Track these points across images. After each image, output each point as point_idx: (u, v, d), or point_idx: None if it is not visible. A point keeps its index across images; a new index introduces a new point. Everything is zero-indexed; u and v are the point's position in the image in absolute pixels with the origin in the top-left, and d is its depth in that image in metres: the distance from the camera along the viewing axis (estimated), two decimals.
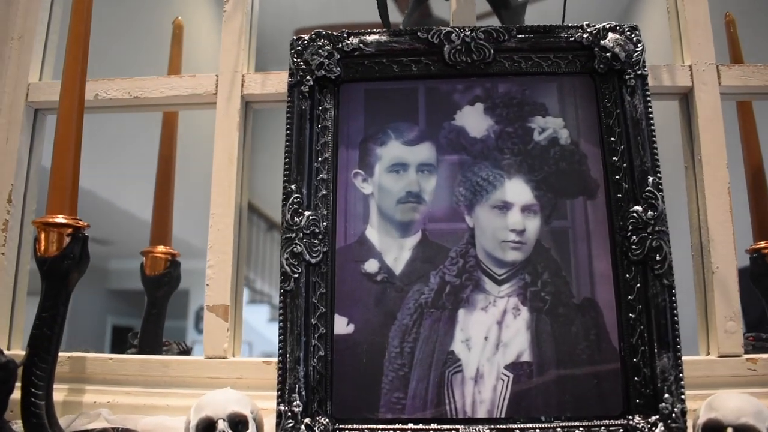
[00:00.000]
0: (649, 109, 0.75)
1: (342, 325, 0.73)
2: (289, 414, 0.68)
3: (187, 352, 1.06)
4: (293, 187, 0.74)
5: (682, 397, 0.66)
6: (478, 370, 0.71)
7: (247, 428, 0.68)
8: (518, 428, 0.68)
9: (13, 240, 0.91)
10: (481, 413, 0.69)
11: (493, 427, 0.68)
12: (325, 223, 0.74)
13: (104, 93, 0.92)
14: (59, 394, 0.83)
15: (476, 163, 0.76)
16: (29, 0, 0.96)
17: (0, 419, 0.72)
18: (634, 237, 0.71)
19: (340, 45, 0.79)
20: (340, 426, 0.69)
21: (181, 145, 0.96)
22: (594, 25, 0.77)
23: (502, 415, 0.69)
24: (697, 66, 0.88)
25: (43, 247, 0.73)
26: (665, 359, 0.68)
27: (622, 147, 0.74)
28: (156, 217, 1.04)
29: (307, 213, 0.73)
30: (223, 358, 0.84)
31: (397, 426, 0.69)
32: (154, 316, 1.01)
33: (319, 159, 0.76)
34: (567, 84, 0.78)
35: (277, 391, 0.69)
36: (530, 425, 0.68)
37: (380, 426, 0.69)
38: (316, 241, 0.73)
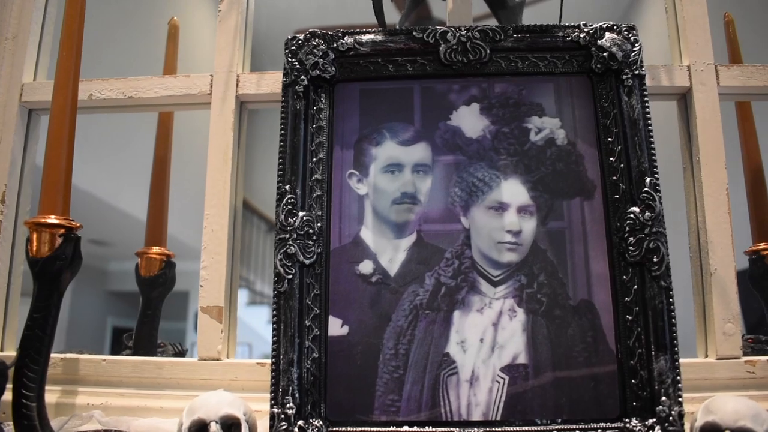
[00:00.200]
0: (647, 110, 0.74)
1: (336, 327, 0.72)
2: (282, 416, 0.67)
3: (182, 353, 1.05)
4: (287, 187, 0.73)
5: (680, 399, 0.66)
6: (474, 373, 0.70)
7: (240, 430, 0.67)
8: (514, 431, 0.67)
9: (7, 241, 0.91)
10: (477, 416, 0.68)
11: (488, 430, 0.67)
12: (319, 224, 0.73)
13: (98, 93, 0.92)
14: (52, 395, 0.83)
15: (472, 164, 0.76)
16: (23, 0, 0.96)
17: None
18: (632, 238, 0.70)
19: (334, 44, 0.78)
20: (334, 428, 0.68)
21: (184, 146, 0.95)
22: (591, 25, 0.77)
23: (498, 418, 0.68)
24: (695, 66, 0.87)
25: (35, 248, 0.73)
26: (662, 361, 0.67)
27: (620, 147, 0.74)
28: (151, 217, 1.03)
29: (301, 213, 0.73)
30: (217, 360, 0.83)
31: (391, 428, 0.68)
32: (149, 317, 1.00)
33: (314, 159, 0.75)
34: (564, 84, 0.78)
35: (271, 393, 0.68)
36: (526, 428, 0.67)
37: (374, 428, 0.68)
38: (311, 242, 0.72)
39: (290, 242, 0.72)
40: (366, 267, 0.74)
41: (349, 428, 0.68)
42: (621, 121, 0.74)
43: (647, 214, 0.71)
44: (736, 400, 0.65)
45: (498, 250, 0.73)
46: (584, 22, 0.77)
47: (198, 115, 0.98)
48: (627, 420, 0.67)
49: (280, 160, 0.74)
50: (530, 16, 0.92)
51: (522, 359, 0.70)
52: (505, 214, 0.74)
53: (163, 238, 1.03)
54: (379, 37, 0.78)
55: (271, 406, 0.68)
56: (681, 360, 0.68)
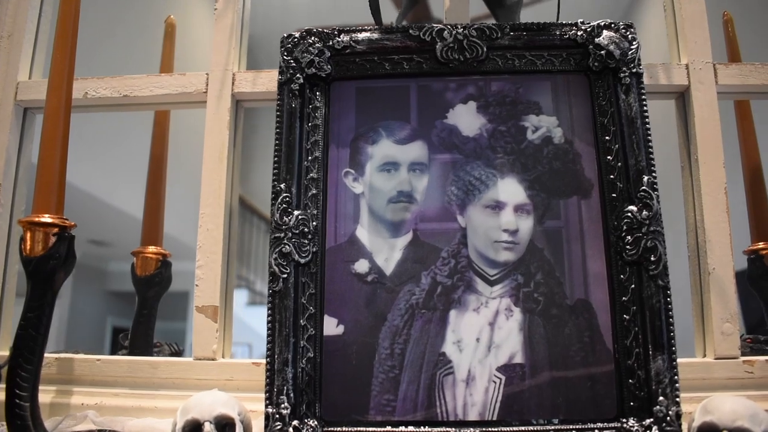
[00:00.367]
0: (645, 108, 0.74)
1: (331, 326, 0.71)
2: (277, 416, 0.67)
3: (178, 353, 1.05)
4: (282, 186, 0.73)
5: (677, 399, 0.65)
6: (470, 372, 0.69)
7: (234, 430, 0.66)
8: (510, 431, 0.67)
9: (1, 240, 0.90)
10: (473, 416, 0.68)
11: (484, 430, 0.67)
12: (314, 223, 0.73)
13: (94, 92, 0.92)
14: (46, 395, 0.83)
15: (469, 162, 0.75)
16: None
17: None
18: (629, 237, 0.70)
19: (330, 42, 0.78)
20: (329, 428, 0.68)
21: (188, 145, 0.94)
22: (588, 23, 0.76)
23: (494, 418, 0.68)
24: (693, 64, 0.87)
25: (28, 247, 0.72)
26: (660, 361, 0.67)
27: (617, 146, 0.73)
28: (147, 216, 1.03)
29: (296, 212, 0.72)
30: (213, 360, 0.83)
31: (386, 428, 0.68)
32: (144, 317, 1.00)
33: (309, 158, 0.75)
34: (561, 82, 0.77)
35: (265, 393, 0.68)
36: (522, 428, 0.67)
37: (370, 428, 0.68)
38: (306, 241, 0.72)
39: (285, 241, 0.71)
40: (362, 266, 0.73)
41: (344, 428, 0.68)
42: (618, 120, 0.73)
43: (645, 212, 0.70)
44: (734, 400, 0.64)
45: (494, 249, 0.73)
46: (582, 20, 0.76)
47: (200, 112, 0.98)
48: (624, 420, 0.66)
49: (276, 159, 0.74)
50: (530, 17, 0.92)
51: (518, 359, 0.69)
52: (502, 213, 0.73)
53: (159, 238, 1.03)
54: (376, 35, 0.78)
55: (266, 406, 0.67)
56: (679, 360, 0.68)
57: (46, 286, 0.72)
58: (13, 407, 0.69)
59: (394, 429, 0.67)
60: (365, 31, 0.78)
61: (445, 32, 0.77)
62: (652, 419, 0.65)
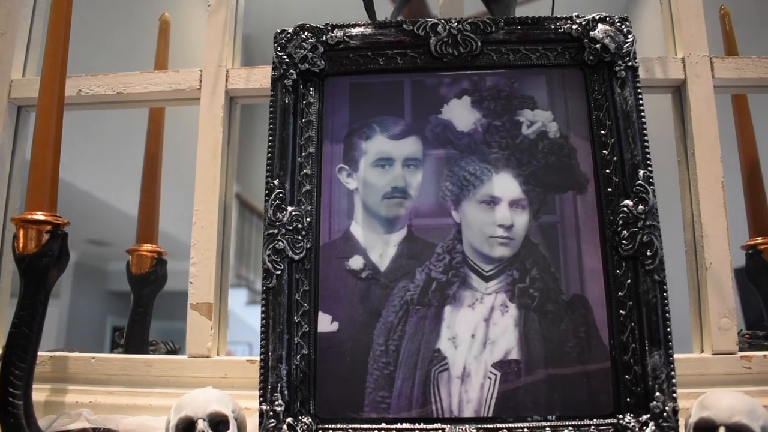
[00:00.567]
0: (640, 102, 0.73)
1: (326, 323, 0.71)
2: (271, 413, 0.67)
3: (174, 351, 1.05)
4: (276, 182, 0.73)
5: (674, 395, 0.65)
6: (465, 369, 0.69)
7: (228, 428, 0.66)
8: (506, 428, 0.66)
9: None
10: (468, 412, 0.68)
11: (480, 426, 0.66)
12: (308, 219, 0.72)
13: (87, 89, 0.91)
14: (41, 393, 0.82)
15: (463, 158, 0.75)
16: None
17: None
18: (625, 232, 0.69)
19: (324, 38, 0.77)
20: (324, 425, 0.67)
21: (189, 142, 0.94)
22: (583, 16, 0.76)
23: (490, 415, 0.67)
24: (690, 58, 0.86)
25: (21, 245, 0.72)
26: (656, 357, 0.66)
27: (613, 140, 0.73)
28: (142, 214, 1.03)
29: (290, 208, 0.72)
30: (207, 357, 0.83)
31: (381, 426, 0.67)
32: (140, 315, 1.00)
33: (303, 154, 0.74)
34: (556, 76, 0.77)
35: (259, 390, 0.67)
36: (518, 425, 0.66)
37: (364, 425, 0.67)
38: (299, 237, 0.71)
39: (279, 237, 0.71)
40: (356, 262, 0.73)
41: (338, 425, 0.67)
42: (614, 114, 0.73)
43: (640, 207, 0.69)
44: (732, 395, 0.64)
45: (489, 244, 0.72)
46: (576, 14, 0.76)
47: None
48: (620, 416, 0.66)
49: (269, 155, 0.74)
50: (528, 13, 0.91)
51: (514, 355, 0.69)
52: (497, 209, 0.73)
53: (155, 236, 1.02)
54: (369, 30, 0.78)
55: (260, 403, 0.67)
56: (676, 355, 0.67)
57: (39, 284, 0.72)
58: (7, 405, 0.69)
59: (389, 426, 0.67)
60: (359, 26, 0.78)
61: (439, 27, 0.77)
62: (648, 415, 0.65)
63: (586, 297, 0.70)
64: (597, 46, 0.75)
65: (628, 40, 0.75)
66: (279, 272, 0.70)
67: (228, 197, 0.90)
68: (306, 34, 0.77)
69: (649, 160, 0.71)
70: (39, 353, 0.80)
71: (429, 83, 0.77)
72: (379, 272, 0.72)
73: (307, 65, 0.76)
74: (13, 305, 0.87)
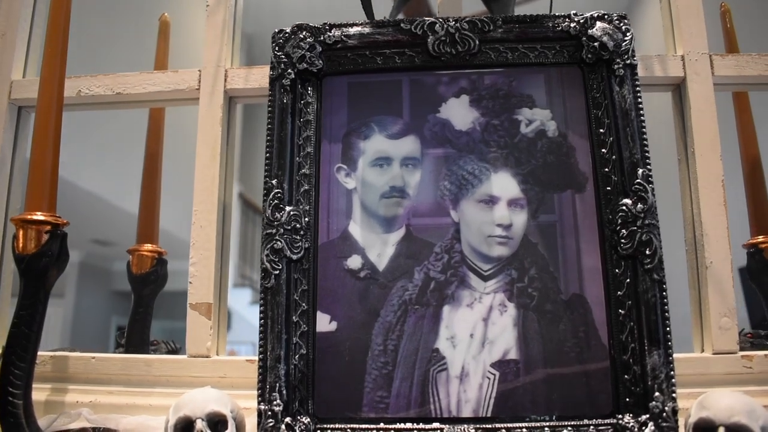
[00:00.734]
0: (639, 100, 0.73)
1: (324, 323, 0.71)
2: (270, 413, 0.67)
3: (175, 351, 1.05)
4: (274, 182, 0.73)
5: (673, 395, 0.64)
6: (464, 369, 0.69)
7: (227, 428, 0.66)
8: (504, 428, 0.66)
9: None
10: (467, 412, 0.67)
11: (478, 426, 0.66)
12: (307, 219, 0.72)
13: (87, 89, 0.91)
14: (41, 393, 0.83)
15: (462, 157, 0.74)
16: None
17: None
18: (624, 231, 0.69)
19: (322, 37, 0.77)
20: (322, 425, 0.67)
21: (193, 141, 0.94)
22: (581, 14, 0.76)
23: (488, 415, 0.67)
24: (689, 56, 0.86)
25: (21, 245, 0.72)
26: (656, 356, 0.66)
27: (611, 138, 0.72)
28: (142, 214, 1.03)
29: (288, 208, 0.72)
30: (206, 357, 0.83)
31: (380, 425, 0.67)
32: (140, 315, 1.00)
33: (301, 153, 0.74)
34: (554, 75, 0.76)
35: (258, 389, 0.67)
36: (517, 425, 0.66)
37: (363, 425, 0.67)
38: (298, 237, 0.71)
39: (277, 237, 0.71)
40: (354, 262, 0.73)
41: (337, 425, 0.67)
42: (613, 112, 0.73)
43: (639, 206, 0.69)
44: (731, 395, 0.63)
45: (488, 244, 0.72)
46: (574, 12, 0.76)
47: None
48: (620, 416, 0.65)
49: (267, 155, 0.74)
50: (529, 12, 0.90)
51: (513, 355, 0.69)
52: (495, 208, 0.73)
53: (155, 236, 1.03)
54: (367, 30, 0.77)
55: (259, 403, 0.67)
56: (676, 355, 0.67)
57: (39, 284, 0.72)
58: (6, 405, 0.69)
59: (388, 426, 0.67)
60: (356, 25, 0.78)
61: (437, 25, 0.76)
62: (647, 415, 0.64)
63: (585, 296, 0.70)
64: (595, 44, 0.74)
65: (626, 38, 0.74)
66: (277, 272, 0.70)
67: (227, 197, 0.90)
68: (304, 33, 0.77)
69: (648, 158, 0.71)
70: (40, 353, 0.81)
71: (427, 82, 0.77)
72: (377, 272, 0.72)
73: (305, 65, 0.76)
74: (14, 305, 0.88)
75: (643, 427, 0.64)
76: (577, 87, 0.75)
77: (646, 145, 0.71)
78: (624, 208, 0.70)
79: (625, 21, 0.75)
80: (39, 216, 0.72)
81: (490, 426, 0.66)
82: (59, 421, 0.78)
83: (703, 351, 0.81)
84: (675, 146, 0.87)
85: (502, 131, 0.75)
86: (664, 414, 0.64)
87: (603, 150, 0.72)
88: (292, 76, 0.76)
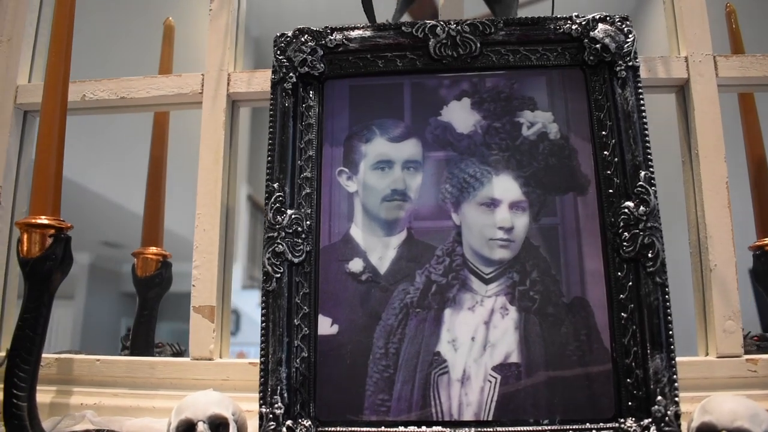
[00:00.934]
0: (641, 102, 0.72)
1: (326, 326, 0.71)
2: (271, 416, 0.67)
3: (180, 353, 1.05)
4: (276, 185, 0.73)
5: (676, 399, 0.64)
6: (465, 372, 0.69)
7: (228, 430, 0.66)
8: (506, 431, 0.66)
9: (2, 242, 0.91)
10: (468, 416, 0.67)
11: (480, 430, 0.66)
12: (308, 222, 0.73)
13: (91, 94, 0.92)
14: (47, 395, 0.83)
15: (463, 160, 0.74)
16: (18, 3, 0.96)
17: None
18: (626, 234, 0.69)
19: (323, 41, 0.77)
20: (323, 428, 0.67)
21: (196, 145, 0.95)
22: (583, 16, 0.75)
23: (490, 418, 0.67)
24: (693, 57, 0.85)
25: (25, 249, 0.73)
26: (658, 360, 0.65)
27: (614, 141, 0.72)
28: (147, 217, 1.04)
29: (289, 212, 0.72)
30: (210, 360, 0.83)
31: (381, 429, 0.67)
32: (145, 318, 1.01)
33: (303, 157, 0.75)
34: (556, 77, 0.76)
35: (259, 392, 0.68)
36: (518, 429, 0.66)
37: (364, 428, 0.67)
38: (299, 240, 0.72)
39: (278, 240, 0.71)
40: (356, 265, 0.73)
41: (338, 428, 0.67)
42: (615, 114, 0.72)
43: (642, 208, 0.69)
44: (734, 399, 0.63)
45: (489, 246, 0.72)
46: (576, 14, 0.75)
47: None
48: (622, 420, 0.65)
49: (269, 159, 0.74)
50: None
51: (514, 358, 0.69)
52: (497, 211, 0.73)
53: (160, 239, 1.03)
54: (368, 33, 0.78)
55: (260, 406, 0.67)
56: (680, 358, 0.66)
57: (43, 288, 0.73)
58: (11, 407, 0.69)
59: (389, 429, 0.67)
60: (358, 28, 0.78)
61: (438, 28, 0.76)
62: (650, 419, 0.64)
63: (587, 300, 0.70)
64: (597, 46, 0.74)
65: (628, 40, 0.74)
66: (279, 275, 0.71)
67: (231, 200, 0.90)
68: (305, 37, 0.78)
69: (651, 160, 0.70)
70: (45, 355, 0.81)
71: (428, 85, 0.77)
72: (378, 275, 0.72)
73: (306, 68, 0.77)
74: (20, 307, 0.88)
75: (646, 431, 0.64)
76: (579, 89, 0.75)
77: (649, 148, 0.71)
78: (626, 210, 0.69)
79: (627, 23, 0.75)
80: (43, 220, 0.73)
81: (491, 429, 0.66)
82: (63, 423, 0.78)
83: (707, 354, 0.80)
84: (679, 148, 0.87)
85: (503, 134, 0.75)
86: (667, 418, 0.64)
87: (605, 152, 0.72)
88: (294, 79, 0.76)
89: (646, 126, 0.72)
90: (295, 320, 0.70)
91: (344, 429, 0.67)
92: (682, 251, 0.87)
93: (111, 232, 5.18)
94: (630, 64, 0.73)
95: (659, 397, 0.64)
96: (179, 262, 1.12)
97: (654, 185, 0.69)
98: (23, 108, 0.95)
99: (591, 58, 0.74)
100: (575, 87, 0.75)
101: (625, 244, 0.69)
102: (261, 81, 0.90)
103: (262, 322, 0.70)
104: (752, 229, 0.97)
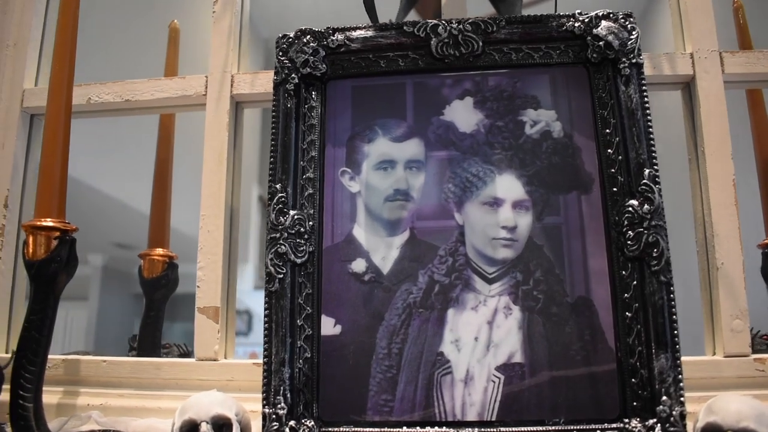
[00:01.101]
0: (645, 99, 0.72)
1: (329, 326, 0.71)
2: (274, 416, 0.67)
3: (187, 354, 1.06)
4: (278, 186, 0.73)
5: (681, 399, 0.63)
6: (468, 372, 0.68)
7: (231, 431, 0.66)
8: (509, 431, 0.65)
9: (10, 244, 0.92)
10: (471, 416, 0.67)
11: (483, 430, 0.66)
12: (311, 223, 0.73)
13: (96, 97, 0.93)
14: (53, 396, 0.84)
15: (466, 159, 0.74)
16: (24, 7, 0.97)
17: None
18: (630, 232, 0.68)
19: (325, 41, 0.77)
20: (326, 429, 0.67)
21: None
22: (586, 14, 0.75)
23: (493, 418, 0.67)
24: (698, 53, 0.84)
25: (31, 251, 0.74)
26: (663, 360, 0.65)
27: (617, 139, 0.71)
28: (153, 219, 1.04)
29: (292, 212, 0.72)
30: (214, 360, 0.83)
31: (384, 429, 0.67)
32: (152, 319, 1.01)
33: (306, 157, 0.75)
34: (559, 75, 0.76)
35: (263, 393, 0.68)
36: (522, 429, 0.66)
37: (367, 429, 0.67)
38: (302, 241, 0.72)
39: (281, 241, 0.71)
40: (359, 265, 0.73)
41: (341, 428, 0.67)
42: (619, 112, 0.72)
43: (646, 207, 0.68)
44: (740, 399, 0.62)
45: (493, 246, 0.71)
46: (579, 11, 0.75)
47: None
48: (627, 420, 0.64)
49: (272, 159, 0.74)
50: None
51: (518, 358, 0.68)
52: (500, 210, 0.72)
53: (166, 240, 1.04)
54: (370, 33, 0.77)
55: (263, 407, 0.67)
56: (687, 358, 0.66)
57: (49, 289, 0.73)
58: (17, 408, 0.70)
59: (392, 429, 0.67)
60: (359, 29, 0.78)
61: (440, 27, 0.76)
62: (655, 419, 0.63)
63: (591, 299, 0.69)
64: (600, 43, 0.73)
65: (632, 37, 0.73)
66: (282, 276, 0.71)
67: (235, 201, 0.90)
68: (307, 38, 0.78)
69: (655, 158, 0.70)
70: (52, 356, 0.82)
71: (431, 84, 0.77)
72: (381, 275, 0.72)
73: (308, 69, 0.77)
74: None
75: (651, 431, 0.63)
76: (583, 87, 0.74)
77: (653, 145, 0.70)
78: (630, 209, 0.69)
79: (631, 19, 0.74)
80: (48, 222, 0.74)
81: (494, 430, 0.66)
82: (70, 423, 0.79)
83: (714, 354, 0.79)
84: (685, 145, 0.86)
85: (506, 133, 0.74)
86: (672, 418, 0.63)
87: (609, 150, 0.71)
88: (296, 80, 0.76)
89: (650, 123, 0.71)
90: (298, 321, 0.70)
91: (347, 429, 0.67)
92: (688, 250, 0.86)
93: (124, 234, 5.22)
94: (634, 61, 0.72)
95: (664, 398, 0.63)
96: (190, 263, 1.13)
97: (658, 183, 0.69)
98: (30, 111, 0.96)
99: (594, 55, 0.74)
100: (578, 85, 0.75)
101: (629, 242, 0.68)
102: (264, 82, 0.90)
103: (265, 322, 0.70)
104: (762, 227, 0.95)
